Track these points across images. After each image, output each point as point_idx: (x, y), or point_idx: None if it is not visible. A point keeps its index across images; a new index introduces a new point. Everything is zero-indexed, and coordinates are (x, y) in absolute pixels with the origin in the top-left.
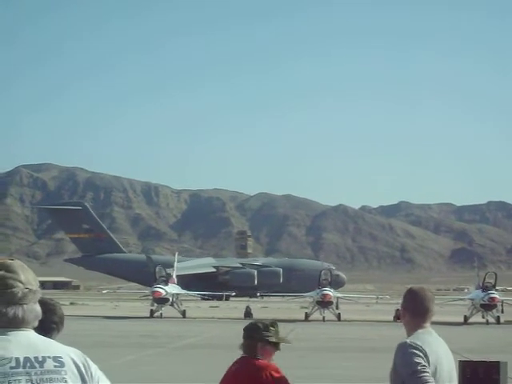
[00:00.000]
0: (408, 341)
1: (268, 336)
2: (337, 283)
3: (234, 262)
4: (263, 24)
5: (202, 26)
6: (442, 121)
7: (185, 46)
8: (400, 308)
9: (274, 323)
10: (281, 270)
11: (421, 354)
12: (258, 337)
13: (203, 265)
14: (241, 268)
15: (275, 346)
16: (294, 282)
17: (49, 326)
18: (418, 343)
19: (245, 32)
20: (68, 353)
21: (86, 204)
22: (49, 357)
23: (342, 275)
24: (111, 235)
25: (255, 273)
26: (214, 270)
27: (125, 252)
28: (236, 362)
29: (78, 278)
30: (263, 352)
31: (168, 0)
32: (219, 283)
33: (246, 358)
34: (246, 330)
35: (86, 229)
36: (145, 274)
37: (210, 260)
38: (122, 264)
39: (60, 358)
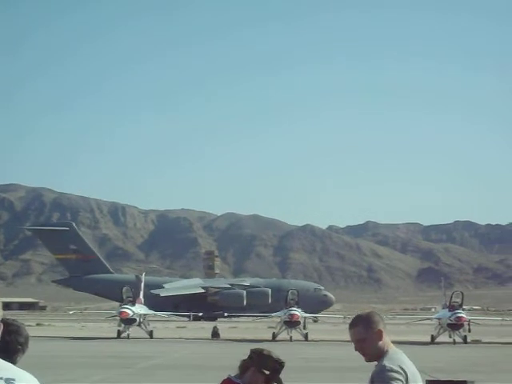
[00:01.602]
0: (389, 365)
1: (265, 367)
2: (324, 303)
3: (222, 283)
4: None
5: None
6: (408, 139)
7: (159, 65)
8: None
9: (281, 363)
10: (270, 290)
11: (402, 379)
12: (256, 361)
13: (192, 286)
14: (230, 288)
15: (268, 381)
16: (283, 303)
17: (14, 347)
18: (402, 366)
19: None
20: (22, 377)
21: (73, 225)
22: (1, 378)
23: (330, 295)
24: (99, 256)
25: (244, 293)
26: (202, 290)
27: (112, 272)
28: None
29: (45, 299)
30: (252, 379)
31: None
32: (208, 304)
33: (227, 380)
34: (251, 349)
35: (74, 249)
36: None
37: (198, 281)
38: (111, 284)
39: (12, 380)
